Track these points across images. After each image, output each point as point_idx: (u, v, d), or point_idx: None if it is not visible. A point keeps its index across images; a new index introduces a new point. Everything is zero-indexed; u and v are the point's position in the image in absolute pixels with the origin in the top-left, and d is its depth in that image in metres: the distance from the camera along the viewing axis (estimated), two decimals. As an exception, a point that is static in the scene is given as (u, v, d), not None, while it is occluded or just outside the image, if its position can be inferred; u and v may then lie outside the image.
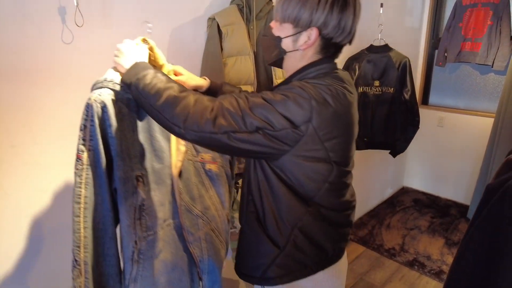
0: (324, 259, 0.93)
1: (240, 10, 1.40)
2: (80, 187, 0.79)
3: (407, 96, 2.07)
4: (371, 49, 2.08)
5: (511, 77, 2.22)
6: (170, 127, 0.77)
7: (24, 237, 1.08)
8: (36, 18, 0.98)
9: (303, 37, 0.82)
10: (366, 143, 2.19)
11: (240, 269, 0.99)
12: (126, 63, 0.83)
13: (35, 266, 1.11)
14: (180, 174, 0.94)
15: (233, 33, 1.37)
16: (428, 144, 3.14)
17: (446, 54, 2.73)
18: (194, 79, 1.01)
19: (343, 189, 0.90)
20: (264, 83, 1.52)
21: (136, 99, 0.82)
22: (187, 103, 0.75)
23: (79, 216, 0.79)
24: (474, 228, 0.72)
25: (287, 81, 0.87)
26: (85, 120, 0.79)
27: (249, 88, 1.44)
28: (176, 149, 0.94)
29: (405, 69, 2.04)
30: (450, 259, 2.32)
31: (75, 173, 0.80)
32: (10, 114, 0.99)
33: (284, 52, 0.86)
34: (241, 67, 1.40)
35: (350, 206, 0.96)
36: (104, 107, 0.79)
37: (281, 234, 0.87)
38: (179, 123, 0.74)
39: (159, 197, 0.89)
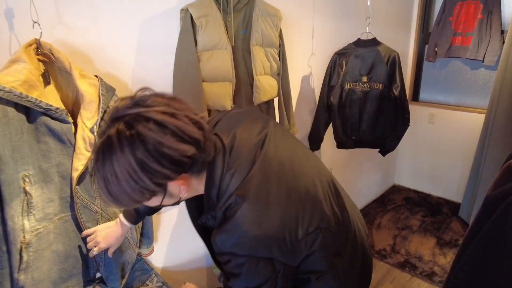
0: None
1: (216, 1, 1.29)
2: None
3: (396, 92, 1.98)
4: (359, 43, 1.99)
5: (503, 72, 2.16)
6: None
7: None
8: None
9: (174, 189, 0.68)
10: (354, 142, 2.11)
11: None
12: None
13: None
14: (82, 174, 1.00)
15: (208, 25, 1.26)
16: (419, 141, 3.09)
17: (436, 49, 2.66)
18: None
19: (346, 233, 0.86)
20: (244, 79, 1.42)
21: None
22: None
23: None
24: (476, 243, 0.63)
25: (213, 206, 0.74)
26: None
27: (228, 86, 1.34)
28: (80, 153, 0.98)
29: (394, 64, 1.95)
30: (442, 260, 2.26)
31: None
32: None
33: (178, 202, 0.75)
34: (218, 63, 1.30)
35: (363, 239, 0.94)
36: None
37: None
38: None
39: (47, 194, 0.94)
